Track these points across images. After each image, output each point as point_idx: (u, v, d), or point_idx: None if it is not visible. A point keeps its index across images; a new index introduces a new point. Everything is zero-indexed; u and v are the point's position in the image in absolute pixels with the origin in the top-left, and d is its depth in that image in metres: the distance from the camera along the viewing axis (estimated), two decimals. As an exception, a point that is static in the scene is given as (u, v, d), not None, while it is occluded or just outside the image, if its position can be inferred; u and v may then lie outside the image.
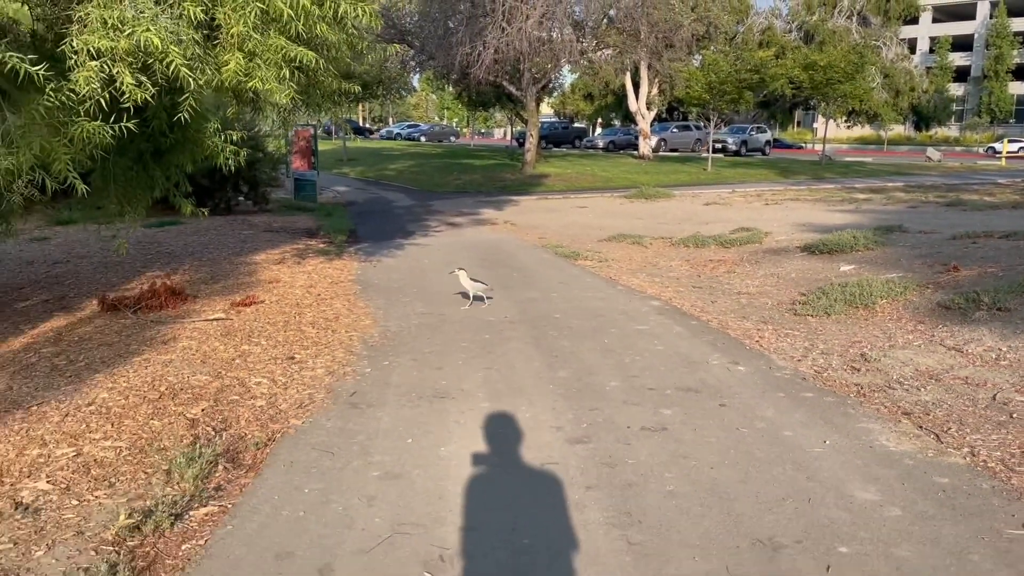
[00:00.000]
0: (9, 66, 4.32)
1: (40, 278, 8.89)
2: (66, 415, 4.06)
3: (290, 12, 5.14)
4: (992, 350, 5.21)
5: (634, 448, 3.67)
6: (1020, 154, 43.55)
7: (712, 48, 31.55)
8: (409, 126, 56.81)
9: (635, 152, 33.97)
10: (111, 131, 4.81)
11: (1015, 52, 56.99)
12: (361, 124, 57.40)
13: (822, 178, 24.89)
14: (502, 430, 3.94)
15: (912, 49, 58.51)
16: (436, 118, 77.83)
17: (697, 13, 28.31)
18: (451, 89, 44.35)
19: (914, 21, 57.05)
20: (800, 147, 50.65)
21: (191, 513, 3.06)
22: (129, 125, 4.88)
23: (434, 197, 20.47)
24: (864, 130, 52.91)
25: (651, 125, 34.06)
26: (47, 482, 3.32)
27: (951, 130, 60.66)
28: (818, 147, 39.25)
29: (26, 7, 5.49)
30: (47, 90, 4.51)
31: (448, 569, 2.65)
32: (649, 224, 13.84)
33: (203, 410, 4.17)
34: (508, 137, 66.61)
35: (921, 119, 57.27)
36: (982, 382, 4.65)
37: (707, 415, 4.13)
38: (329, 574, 2.62)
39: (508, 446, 3.74)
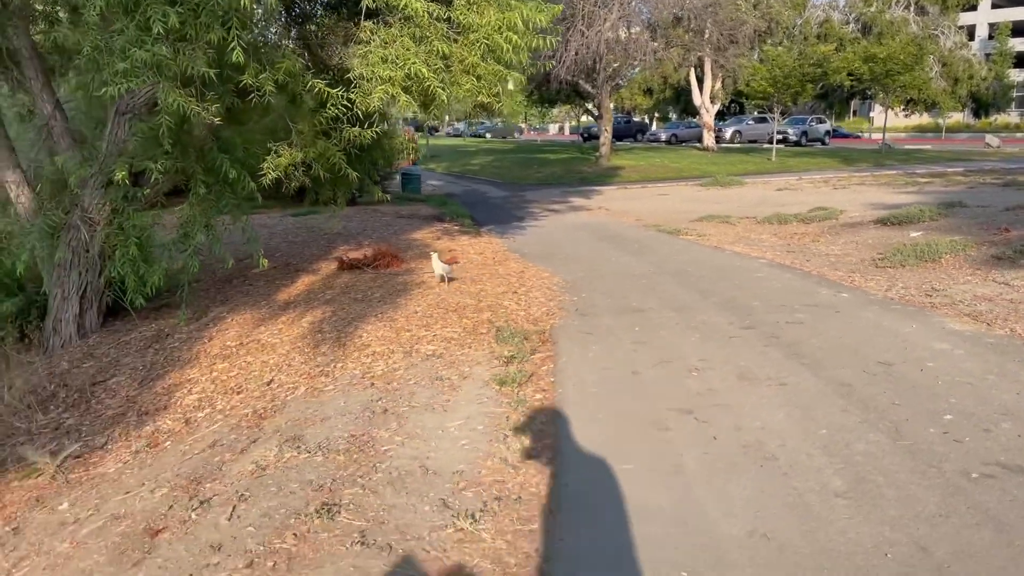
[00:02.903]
0: (316, 89, 6.51)
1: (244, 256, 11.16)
2: (407, 318, 6.26)
3: (506, 46, 7.22)
4: (1032, 284, 7.06)
5: (785, 331, 5.72)
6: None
7: (769, 42, 32.97)
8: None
9: (699, 144, 35.61)
10: (371, 134, 6.96)
11: (1078, 36, 56.43)
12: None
13: (883, 165, 26.21)
14: (693, 324, 6.02)
15: (971, 36, 58.40)
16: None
17: (760, 10, 29.92)
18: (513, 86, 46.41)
19: (972, 8, 56.79)
20: (858, 136, 51.31)
21: (532, 356, 5.20)
22: (377, 131, 7.03)
23: (522, 189, 22.51)
24: (922, 118, 53.29)
25: (723, 119, 35.46)
26: (430, 346, 5.50)
27: (1011, 116, 60.30)
28: (876, 136, 40.18)
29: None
30: (328, 105, 6.67)
31: (701, 378, 4.73)
32: (729, 207, 15.66)
33: (488, 316, 6.33)
34: (566, 132, 68.33)
35: (980, 106, 57.16)
36: (1023, 301, 6.53)
37: (828, 317, 6.14)
38: (636, 375, 4.73)
39: (703, 330, 5.81)
